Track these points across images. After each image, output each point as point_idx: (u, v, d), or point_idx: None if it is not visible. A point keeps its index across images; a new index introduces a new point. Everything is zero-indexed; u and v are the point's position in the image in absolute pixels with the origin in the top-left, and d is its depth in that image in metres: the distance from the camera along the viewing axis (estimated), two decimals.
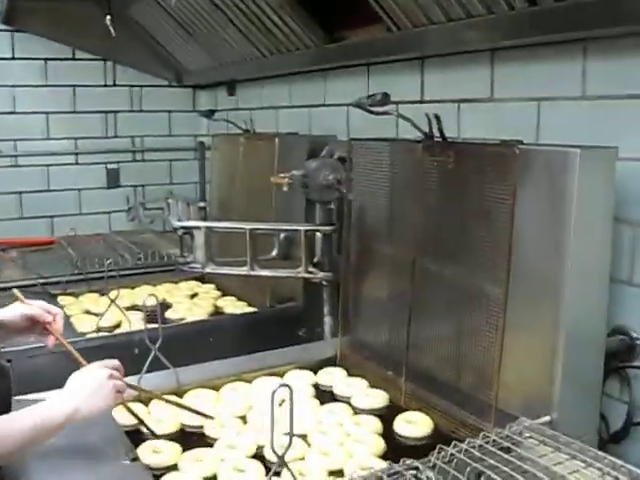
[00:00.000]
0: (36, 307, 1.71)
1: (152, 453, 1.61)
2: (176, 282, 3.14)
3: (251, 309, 2.78)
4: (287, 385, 1.27)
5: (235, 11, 2.96)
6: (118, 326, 2.56)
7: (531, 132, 1.97)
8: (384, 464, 1.48)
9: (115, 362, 1.61)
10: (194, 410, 1.79)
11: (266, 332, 2.49)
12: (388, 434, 1.73)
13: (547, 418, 1.53)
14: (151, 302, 1.93)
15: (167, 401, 1.80)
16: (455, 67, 2.24)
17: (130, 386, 1.68)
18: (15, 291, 1.76)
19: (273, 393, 1.26)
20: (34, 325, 1.71)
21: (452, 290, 1.75)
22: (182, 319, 2.64)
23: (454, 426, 1.72)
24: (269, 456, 1.57)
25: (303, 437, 1.66)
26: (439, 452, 1.32)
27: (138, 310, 2.66)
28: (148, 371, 1.85)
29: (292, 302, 2.69)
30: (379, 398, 1.91)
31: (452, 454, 1.31)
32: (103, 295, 2.81)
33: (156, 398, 1.81)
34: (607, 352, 1.65)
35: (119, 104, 4.22)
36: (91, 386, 1.49)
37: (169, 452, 1.61)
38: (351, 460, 1.57)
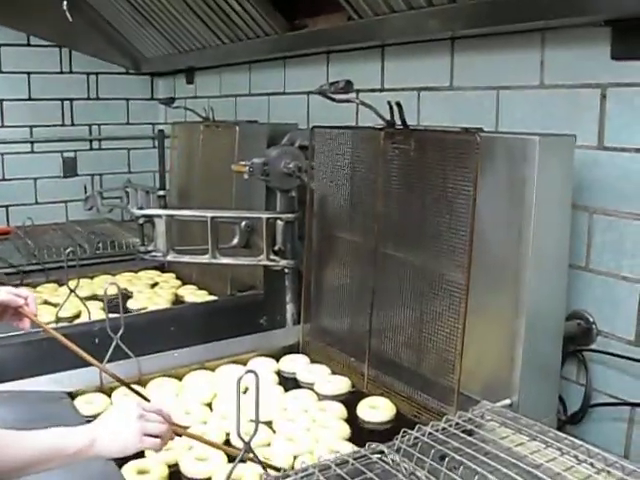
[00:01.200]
0: (4, 292, 1.66)
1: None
2: (136, 271, 3.12)
3: (212, 297, 2.77)
4: (253, 371, 1.27)
5: None
6: (77, 316, 2.53)
7: (490, 120, 2.00)
8: (350, 448, 1.50)
9: (156, 406, 1.44)
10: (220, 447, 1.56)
11: (227, 320, 2.49)
12: (352, 419, 1.75)
13: (507, 401, 1.57)
14: (112, 291, 1.92)
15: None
16: (415, 55, 2.26)
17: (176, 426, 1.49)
18: None
19: (239, 380, 1.25)
20: (4, 311, 1.67)
21: (414, 276, 1.77)
22: (143, 308, 2.62)
23: (416, 410, 1.74)
24: (235, 442, 1.58)
25: (268, 424, 1.67)
26: (403, 436, 1.34)
27: (97, 300, 2.64)
28: (109, 360, 1.84)
29: (253, 290, 2.69)
30: (342, 384, 1.93)
31: (416, 437, 1.33)
32: (62, 285, 2.79)
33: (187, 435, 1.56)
34: (565, 336, 1.69)
35: (75, 91, 4.14)
36: (116, 424, 1.35)
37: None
38: (317, 445, 1.59)
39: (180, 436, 1.48)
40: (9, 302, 1.65)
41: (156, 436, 1.36)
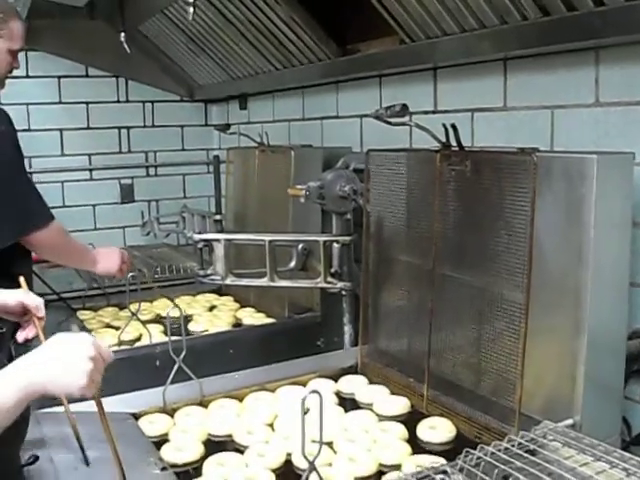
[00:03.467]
0: (33, 298, 1.57)
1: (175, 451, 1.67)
2: (194, 295, 3.17)
3: (270, 320, 2.80)
4: (317, 392, 1.29)
5: (247, 25, 3.00)
6: (138, 339, 2.59)
7: (545, 140, 1.99)
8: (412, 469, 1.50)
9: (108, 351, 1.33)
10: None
11: (285, 342, 2.51)
12: (412, 440, 1.75)
13: (570, 421, 1.55)
14: (174, 313, 1.96)
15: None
16: (468, 76, 2.27)
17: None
18: (21, 279, 1.68)
19: (303, 400, 1.28)
20: (23, 314, 1.58)
21: (473, 297, 1.77)
22: (205, 331, 2.67)
23: (477, 431, 1.74)
24: (298, 463, 1.60)
25: (329, 444, 1.68)
26: (466, 455, 1.34)
27: (158, 323, 2.69)
28: (172, 382, 1.88)
29: (310, 312, 2.72)
30: (401, 404, 1.93)
31: (479, 457, 1.33)
32: (122, 309, 2.86)
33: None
34: (628, 355, 1.67)
35: (132, 120, 4.27)
36: (64, 359, 1.22)
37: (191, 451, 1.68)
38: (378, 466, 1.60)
39: None
40: (33, 309, 1.54)
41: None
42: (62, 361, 1.22)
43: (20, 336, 1.56)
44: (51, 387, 1.21)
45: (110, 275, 2.78)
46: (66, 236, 2.60)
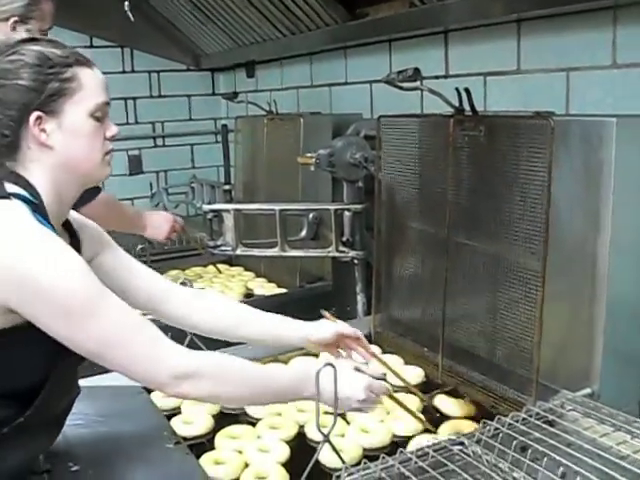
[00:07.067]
0: (343, 325, 1.71)
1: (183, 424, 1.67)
2: (205, 265, 3.15)
3: (281, 290, 2.79)
4: (331, 364, 1.27)
5: None
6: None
7: (560, 103, 1.95)
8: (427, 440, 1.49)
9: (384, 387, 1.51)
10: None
11: (297, 312, 2.47)
12: (427, 410, 1.73)
13: (588, 390, 1.53)
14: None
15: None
16: (480, 39, 2.22)
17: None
18: (324, 312, 1.79)
19: (317, 372, 1.26)
20: (340, 341, 1.69)
21: (488, 265, 1.74)
22: None
23: (493, 401, 1.72)
24: (312, 435, 1.58)
25: (342, 415, 1.67)
26: (483, 426, 1.32)
27: None
28: None
29: (321, 282, 2.70)
30: (415, 374, 1.92)
31: (496, 428, 1.31)
32: None
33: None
34: None
35: (138, 90, 4.21)
36: (344, 381, 1.38)
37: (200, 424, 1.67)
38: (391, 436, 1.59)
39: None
40: (350, 334, 1.68)
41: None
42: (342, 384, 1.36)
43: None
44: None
45: (158, 241, 2.86)
46: (115, 205, 2.67)
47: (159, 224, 2.77)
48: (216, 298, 1.72)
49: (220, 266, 3.14)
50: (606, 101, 1.83)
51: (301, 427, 1.65)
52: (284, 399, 1.46)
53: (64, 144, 1.29)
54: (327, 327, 1.67)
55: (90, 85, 1.31)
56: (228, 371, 1.33)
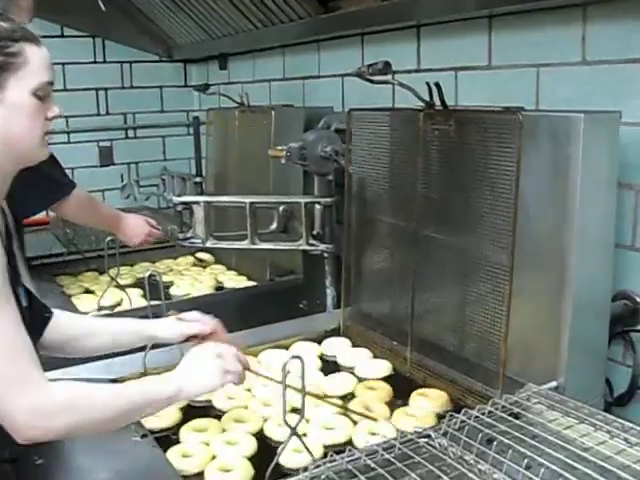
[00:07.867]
0: (192, 323, 1.70)
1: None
2: (175, 258, 3.13)
3: (252, 283, 2.78)
4: (299, 357, 1.27)
5: None
6: (119, 304, 2.55)
7: (530, 99, 1.96)
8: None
9: (231, 348, 1.54)
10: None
11: (267, 305, 2.49)
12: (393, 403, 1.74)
13: (554, 383, 1.54)
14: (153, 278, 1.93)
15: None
16: (452, 34, 2.23)
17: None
18: (169, 313, 1.76)
19: (284, 365, 1.26)
20: (190, 340, 1.69)
21: (456, 259, 1.75)
22: (186, 295, 2.64)
23: (460, 394, 1.73)
24: (271, 431, 1.59)
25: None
26: (450, 419, 1.33)
27: (138, 288, 2.66)
28: (153, 347, 1.85)
29: (292, 275, 2.70)
30: (383, 367, 1.92)
31: (463, 421, 1.32)
32: (102, 274, 2.81)
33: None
34: (611, 317, 1.66)
35: (110, 81, 4.17)
36: (197, 365, 1.45)
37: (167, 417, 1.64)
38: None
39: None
40: (198, 334, 1.69)
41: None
42: (196, 370, 1.45)
43: None
44: (194, 392, 1.46)
45: (131, 245, 2.80)
46: (90, 203, 2.71)
47: (134, 230, 2.73)
48: (58, 314, 1.64)
49: (190, 258, 3.13)
50: (576, 97, 1.84)
51: (265, 421, 1.64)
52: (149, 408, 1.40)
53: (4, 120, 1.28)
54: (173, 328, 1.68)
55: (35, 62, 1.29)
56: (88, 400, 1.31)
